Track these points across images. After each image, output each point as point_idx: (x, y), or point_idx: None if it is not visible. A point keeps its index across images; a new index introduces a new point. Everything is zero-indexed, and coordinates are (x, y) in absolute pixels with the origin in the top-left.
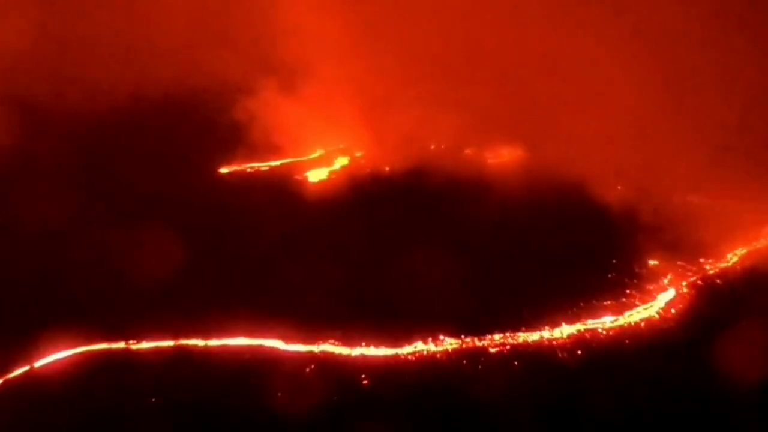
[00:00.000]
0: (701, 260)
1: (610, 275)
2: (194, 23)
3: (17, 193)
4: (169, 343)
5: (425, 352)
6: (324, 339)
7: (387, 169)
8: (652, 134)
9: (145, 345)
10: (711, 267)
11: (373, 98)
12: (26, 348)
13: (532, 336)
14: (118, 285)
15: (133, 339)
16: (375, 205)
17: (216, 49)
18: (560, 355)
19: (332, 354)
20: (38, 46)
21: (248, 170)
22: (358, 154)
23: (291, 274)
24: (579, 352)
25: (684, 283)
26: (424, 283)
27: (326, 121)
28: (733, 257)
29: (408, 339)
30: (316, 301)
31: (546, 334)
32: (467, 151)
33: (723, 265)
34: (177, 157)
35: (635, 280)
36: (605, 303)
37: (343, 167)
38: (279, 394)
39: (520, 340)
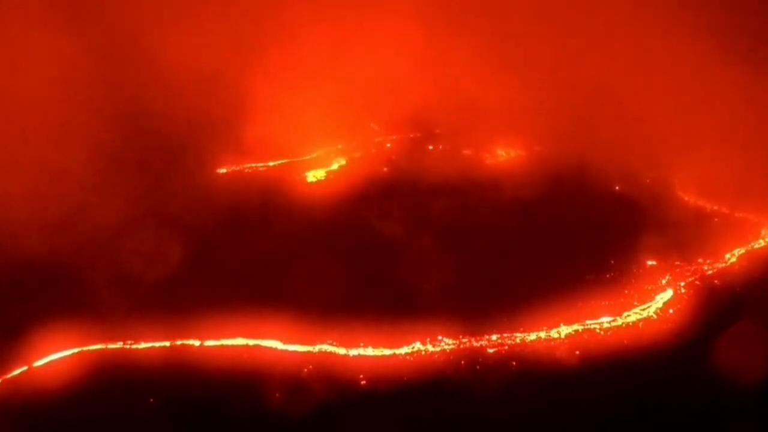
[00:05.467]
0: (699, 261)
1: (608, 275)
2: (193, 23)
3: (14, 193)
4: (166, 343)
5: (423, 353)
6: (322, 339)
7: (385, 169)
8: (651, 134)
9: (143, 345)
10: (709, 267)
11: (372, 98)
12: (24, 348)
13: (530, 336)
14: (115, 285)
15: (131, 339)
16: (373, 205)
17: (214, 48)
18: (558, 355)
19: (330, 354)
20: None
21: (246, 170)
22: (357, 155)
23: (289, 274)
24: (577, 352)
25: (682, 284)
26: (422, 284)
27: (325, 122)
28: (732, 258)
29: (406, 339)
30: (314, 302)
31: (544, 334)
32: (465, 152)
33: (721, 265)
34: (174, 156)
35: (633, 281)
36: (603, 303)
37: (342, 168)
38: (277, 395)
39: (518, 340)
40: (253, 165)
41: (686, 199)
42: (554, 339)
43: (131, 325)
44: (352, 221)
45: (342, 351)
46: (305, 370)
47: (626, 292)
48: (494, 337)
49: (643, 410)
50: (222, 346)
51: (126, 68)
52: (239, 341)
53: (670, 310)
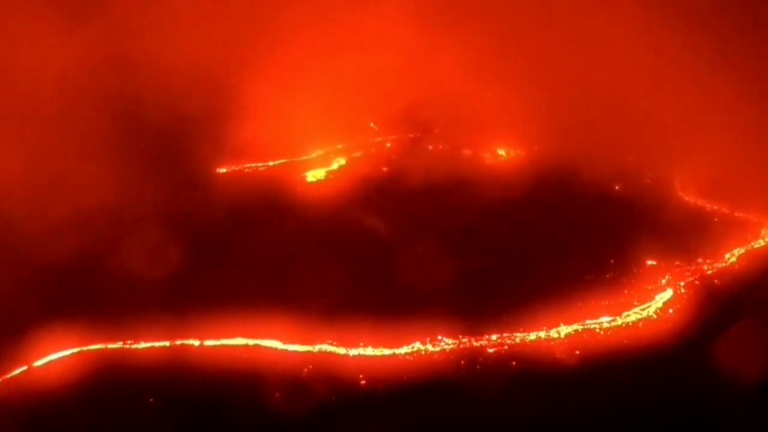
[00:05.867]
0: (699, 260)
1: (607, 275)
2: (192, 22)
3: (14, 193)
4: (166, 343)
5: (423, 353)
6: (322, 339)
7: (385, 169)
8: (651, 134)
9: (143, 345)
10: (709, 267)
11: (372, 98)
12: (24, 348)
13: (530, 336)
14: (115, 285)
15: (131, 339)
16: (373, 205)
17: (214, 48)
18: (558, 355)
19: (330, 354)
20: (38, 43)
21: (246, 170)
22: (357, 155)
23: (289, 274)
24: (577, 352)
25: (682, 284)
26: (422, 284)
27: (325, 122)
28: (732, 258)
29: (406, 339)
30: (313, 302)
31: (544, 334)
32: (464, 152)
33: (721, 265)
34: (174, 156)
35: (633, 281)
36: (603, 303)
37: (342, 168)
38: (277, 395)
39: (518, 340)
40: (253, 165)
41: (686, 199)
42: (554, 339)
43: (131, 325)
44: (352, 221)
45: (342, 351)
46: (305, 370)
47: (626, 292)
48: (494, 337)
49: (643, 410)
50: (222, 346)
51: (126, 68)
52: (239, 341)
53: (670, 310)
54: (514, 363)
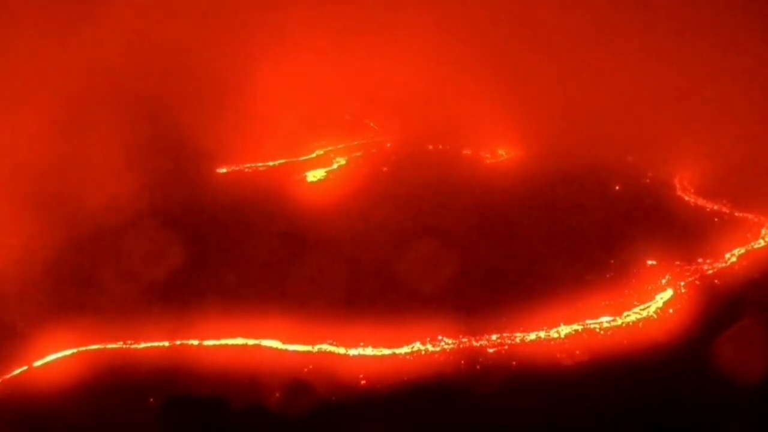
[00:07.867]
0: (699, 261)
1: (608, 275)
2: (193, 24)
3: (15, 195)
4: (165, 343)
5: (423, 353)
6: (322, 339)
7: (385, 169)
8: (651, 134)
9: (143, 345)
10: (709, 267)
11: (372, 98)
12: (24, 348)
13: (530, 336)
14: (115, 285)
15: (131, 339)
16: (373, 205)
17: (214, 49)
18: (558, 354)
19: (330, 354)
20: (36, 43)
21: (246, 170)
22: (357, 155)
23: (289, 274)
24: (577, 351)
25: (682, 284)
26: (422, 284)
27: (325, 122)
28: (732, 258)
29: (406, 339)
30: (314, 301)
31: (544, 334)
32: (465, 152)
33: (721, 265)
34: (175, 156)
35: (633, 281)
36: (603, 303)
37: (341, 167)
38: (276, 394)
39: (518, 340)
40: (253, 165)
41: (686, 199)
42: (554, 339)
43: (131, 325)
44: (352, 221)
45: (342, 351)
46: (305, 370)
47: (626, 292)
48: (494, 337)
49: (643, 410)
50: (222, 346)
51: (126, 70)
52: (239, 341)
53: (670, 310)
54: (514, 363)
